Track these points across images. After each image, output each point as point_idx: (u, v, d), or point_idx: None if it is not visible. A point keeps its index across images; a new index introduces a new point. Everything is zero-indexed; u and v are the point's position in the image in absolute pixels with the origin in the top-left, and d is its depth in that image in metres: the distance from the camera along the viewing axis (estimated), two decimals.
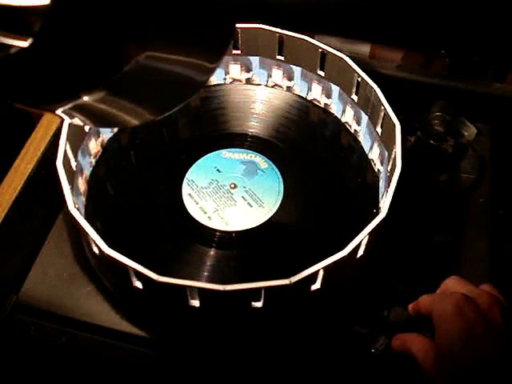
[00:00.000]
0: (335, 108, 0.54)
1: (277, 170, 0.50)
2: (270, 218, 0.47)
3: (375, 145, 0.49)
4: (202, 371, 0.42)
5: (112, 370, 0.43)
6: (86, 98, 0.22)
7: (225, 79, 0.57)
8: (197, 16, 0.24)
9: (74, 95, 0.21)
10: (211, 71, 0.28)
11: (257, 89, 0.56)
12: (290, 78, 0.55)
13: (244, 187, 0.49)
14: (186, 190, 0.48)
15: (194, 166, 0.50)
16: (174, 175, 0.50)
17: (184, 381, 0.43)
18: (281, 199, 0.48)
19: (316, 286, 0.40)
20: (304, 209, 0.49)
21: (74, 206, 0.40)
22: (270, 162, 0.51)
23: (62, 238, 0.47)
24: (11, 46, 0.19)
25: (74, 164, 0.45)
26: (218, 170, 0.50)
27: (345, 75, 0.49)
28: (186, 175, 0.49)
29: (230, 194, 0.49)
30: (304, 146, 0.53)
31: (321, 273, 0.38)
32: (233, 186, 0.49)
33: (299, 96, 0.56)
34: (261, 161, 0.51)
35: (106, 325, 0.43)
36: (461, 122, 0.53)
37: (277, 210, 0.47)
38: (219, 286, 0.36)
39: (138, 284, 0.39)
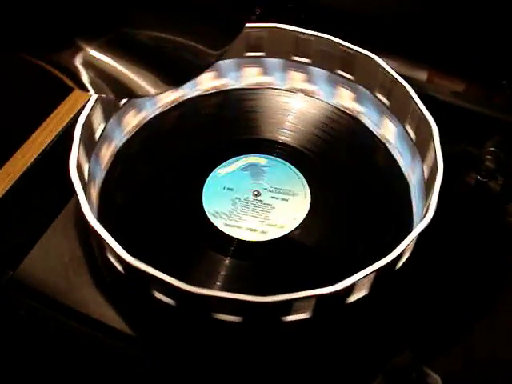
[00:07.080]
0: (378, 129, 0.50)
1: (277, 159, 0.49)
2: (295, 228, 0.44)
3: (416, 177, 0.45)
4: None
5: (96, 365, 0.41)
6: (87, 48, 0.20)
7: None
8: None
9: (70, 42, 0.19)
10: (215, 57, 0.25)
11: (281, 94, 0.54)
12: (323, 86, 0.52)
13: (265, 188, 0.47)
14: (218, 222, 0.45)
15: (204, 198, 0.46)
16: (192, 182, 0.47)
17: None
18: (304, 182, 0.47)
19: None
20: (329, 224, 0.45)
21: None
22: (264, 155, 0.49)
23: (71, 220, 0.45)
24: None
25: (86, 171, 0.43)
26: (229, 189, 0.47)
27: (401, 102, 0.46)
28: (206, 209, 0.45)
29: (260, 202, 0.46)
30: (336, 159, 0.49)
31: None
32: (256, 193, 0.46)
33: (338, 109, 0.52)
34: (255, 159, 0.49)
35: (96, 317, 0.40)
36: None
37: (301, 222, 0.45)
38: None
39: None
